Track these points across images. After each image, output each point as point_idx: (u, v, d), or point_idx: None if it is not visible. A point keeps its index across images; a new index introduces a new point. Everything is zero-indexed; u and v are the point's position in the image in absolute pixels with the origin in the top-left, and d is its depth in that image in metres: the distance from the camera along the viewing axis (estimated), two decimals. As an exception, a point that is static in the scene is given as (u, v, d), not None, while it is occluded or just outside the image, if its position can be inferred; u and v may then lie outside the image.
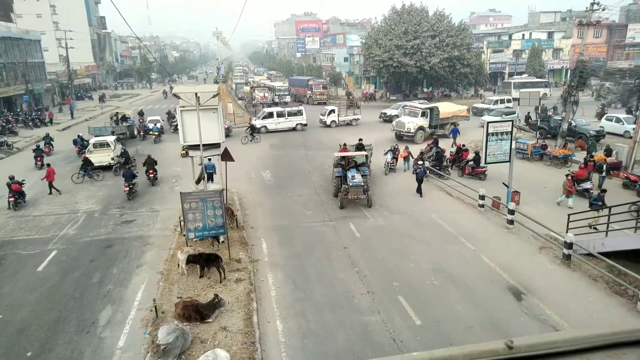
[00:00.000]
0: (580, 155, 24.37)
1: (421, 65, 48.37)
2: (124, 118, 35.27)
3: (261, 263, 14.09)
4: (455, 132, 30.40)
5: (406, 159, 24.87)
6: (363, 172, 19.47)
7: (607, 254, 13.00)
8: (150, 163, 22.93)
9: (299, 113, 37.09)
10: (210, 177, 20.47)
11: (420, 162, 21.49)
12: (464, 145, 24.89)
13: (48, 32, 61.73)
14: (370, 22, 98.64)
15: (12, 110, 45.29)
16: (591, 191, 18.73)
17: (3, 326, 11.01)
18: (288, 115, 36.75)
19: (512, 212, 16.38)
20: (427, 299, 11.81)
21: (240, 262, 13.75)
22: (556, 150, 25.38)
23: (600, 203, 16.59)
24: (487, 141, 17.21)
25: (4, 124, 38.20)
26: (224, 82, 73.89)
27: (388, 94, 56.69)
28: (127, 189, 20.28)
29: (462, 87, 56.94)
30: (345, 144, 23.09)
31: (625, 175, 20.85)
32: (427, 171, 21.73)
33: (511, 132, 17.60)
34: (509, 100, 41.83)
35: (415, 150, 25.38)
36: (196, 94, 14.89)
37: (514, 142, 18.76)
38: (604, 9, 25.61)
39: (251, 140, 32.24)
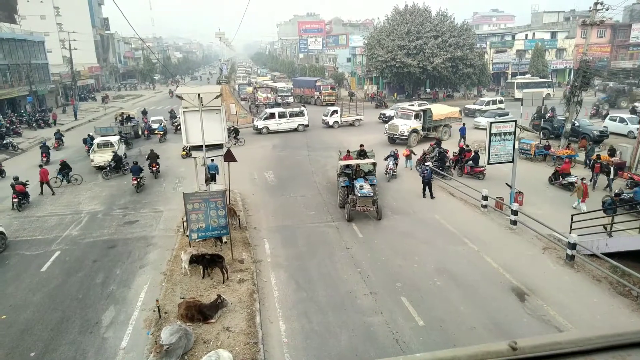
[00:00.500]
0: (582, 156, 24.32)
1: (424, 66, 48.30)
2: (129, 118, 36.08)
3: (264, 263, 14.10)
4: (463, 131, 30.39)
5: (408, 157, 24.89)
6: (371, 181, 18.43)
7: (611, 255, 12.95)
8: (153, 157, 24.30)
9: (301, 114, 37.14)
10: (213, 178, 20.50)
11: (427, 164, 20.99)
12: (467, 146, 24.86)
13: (52, 33, 62.16)
14: (372, 22, 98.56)
15: (16, 112, 45.54)
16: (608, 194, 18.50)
17: (7, 326, 11.05)
18: (290, 116, 36.78)
19: (515, 212, 16.34)
20: (430, 300, 11.79)
21: (243, 263, 13.77)
22: (559, 151, 25.30)
23: (614, 207, 16.52)
24: (490, 141, 17.18)
25: (8, 125, 38.43)
26: (226, 83, 74.06)
27: (396, 94, 56.38)
28: (136, 182, 21.45)
29: (466, 88, 56.86)
30: (348, 151, 21.88)
31: (629, 175, 20.77)
32: (433, 173, 21.09)
33: (514, 133, 17.57)
34: (500, 102, 42.03)
35: (418, 150, 25.39)
36: (199, 94, 14.91)
37: (517, 143, 18.71)
38: (607, 9, 25.53)
39: (235, 144, 31.08)
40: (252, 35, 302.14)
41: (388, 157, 22.97)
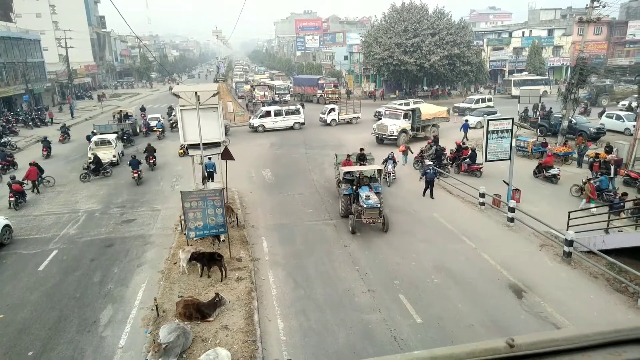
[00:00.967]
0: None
1: (421, 63, 48.32)
2: (126, 116, 36.47)
3: (262, 262, 14.10)
4: (466, 127, 30.38)
5: (405, 152, 24.90)
6: (376, 188, 16.91)
7: (608, 252, 13.00)
8: (150, 150, 25.47)
9: (297, 112, 37.17)
10: (211, 176, 20.48)
11: (429, 164, 20.55)
12: (464, 143, 24.90)
13: (48, 31, 61.73)
14: (370, 20, 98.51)
15: (12, 110, 45.39)
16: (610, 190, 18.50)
17: (4, 326, 11.02)
18: (286, 114, 36.77)
19: (512, 209, 16.38)
20: (428, 297, 11.81)
21: (241, 261, 13.76)
22: (556, 148, 25.37)
23: (621, 205, 16.55)
24: (487, 139, 17.20)
25: (4, 123, 38.32)
26: (223, 81, 73.88)
27: (398, 91, 56.22)
28: (136, 175, 22.33)
29: (463, 85, 56.89)
30: (348, 156, 20.20)
31: (625, 172, 20.84)
32: (437, 173, 20.49)
33: (511, 130, 17.59)
34: (489, 100, 42.26)
35: (414, 148, 25.40)
36: (196, 93, 14.87)
37: (514, 140, 18.73)
38: (604, 6, 25.51)
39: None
40: (250, 33, 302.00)
41: (386, 160, 21.89)
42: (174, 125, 35.74)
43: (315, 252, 14.66)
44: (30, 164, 22.22)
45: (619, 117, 31.39)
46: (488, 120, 17.74)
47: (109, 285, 12.89)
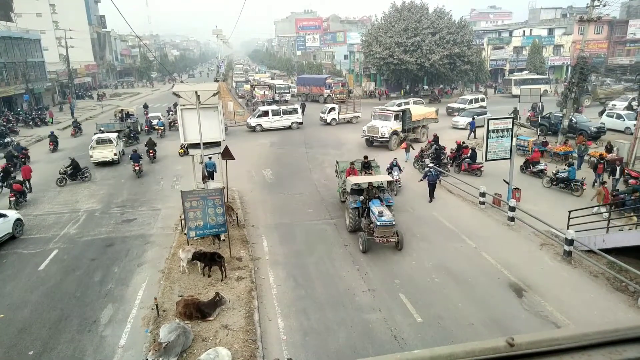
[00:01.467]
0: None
1: (421, 63, 48.28)
2: (128, 115, 36.88)
3: (262, 261, 14.10)
4: (472, 125, 30.32)
5: (406, 150, 24.96)
6: (386, 201, 15.56)
7: (608, 251, 12.99)
8: (151, 144, 26.62)
9: (295, 111, 37.14)
10: (211, 176, 20.47)
11: (430, 165, 20.13)
12: (464, 142, 24.89)
13: (48, 31, 61.69)
14: (370, 19, 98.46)
15: (12, 110, 45.43)
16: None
17: (5, 325, 11.03)
18: (283, 114, 36.72)
19: (512, 209, 16.37)
20: (428, 297, 11.81)
21: (241, 260, 13.76)
22: (557, 147, 25.35)
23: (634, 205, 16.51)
24: (487, 138, 17.19)
25: (4, 123, 38.35)
26: (224, 80, 73.91)
27: (403, 91, 55.82)
28: (137, 168, 23.27)
29: (463, 85, 56.83)
30: (352, 163, 18.82)
31: (626, 171, 20.80)
32: (439, 174, 20.09)
33: (512, 129, 17.58)
34: (482, 100, 42.20)
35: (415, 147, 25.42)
36: (196, 92, 14.86)
37: (514, 139, 18.71)
38: (604, 5, 25.48)
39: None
40: (250, 32, 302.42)
41: (391, 167, 20.46)
42: (172, 124, 35.92)
43: (315, 252, 14.66)
44: (24, 162, 22.42)
45: (619, 116, 31.35)
46: (488, 120, 17.73)
47: (110, 285, 12.90)
